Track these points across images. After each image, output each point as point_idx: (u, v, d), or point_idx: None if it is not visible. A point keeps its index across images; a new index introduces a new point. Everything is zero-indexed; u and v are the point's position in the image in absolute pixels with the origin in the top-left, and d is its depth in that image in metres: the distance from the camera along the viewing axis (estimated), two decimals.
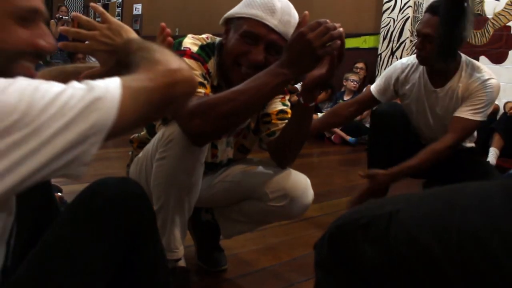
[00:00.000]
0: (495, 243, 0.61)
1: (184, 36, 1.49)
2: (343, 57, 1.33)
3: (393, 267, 0.68)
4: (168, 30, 1.19)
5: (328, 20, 1.23)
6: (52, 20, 9.14)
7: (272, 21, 1.40)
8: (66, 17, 9.00)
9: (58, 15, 8.97)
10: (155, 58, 0.86)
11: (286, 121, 1.57)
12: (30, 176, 0.68)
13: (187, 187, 1.44)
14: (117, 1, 10.74)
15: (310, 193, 1.58)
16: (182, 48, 1.44)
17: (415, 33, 6.02)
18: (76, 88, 0.72)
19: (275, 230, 2.19)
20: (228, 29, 1.48)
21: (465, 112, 2.24)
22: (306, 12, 1.31)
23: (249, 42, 1.41)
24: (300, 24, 1.31)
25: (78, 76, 0.99)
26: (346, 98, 6.01)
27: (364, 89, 2.54)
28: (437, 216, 0.67)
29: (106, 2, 11.03)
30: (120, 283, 0.95)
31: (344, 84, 6.08)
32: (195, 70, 1.40)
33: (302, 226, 2.32)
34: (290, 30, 1.40)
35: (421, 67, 2.37)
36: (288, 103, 1.65)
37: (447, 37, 1.98)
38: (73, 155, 0.71)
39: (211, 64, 1.48)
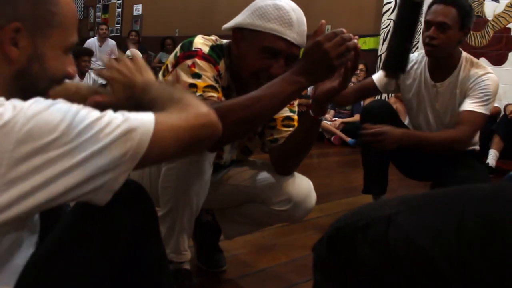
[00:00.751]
0: (494, 246, 0.61)
1: (194, 36, 1.47)
2: (356, 69, 1.33)
3: (391, 270, 0.68)
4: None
5: (344, 30, 1.23)
6: None
7: (291, 35, 1.37)
8: None
9: None
10: (185, 100, 0.92)
11: (291, 129, 1.57)
12: (59, 196, 0.73)
13: (196, 190, 1.44)
14: (117, 1, 10.74)
15: (313, 197, 1.58)
16: (194, 49, 1.41)
17: (415, 34, 6.03)
18: (112, 116, 0.77)
19: (274, 231, 2.19)
20: (238, 38, 1.44)
21: (468, 106, 2.24)
22: (323, 21, 1.31)
23: (269, 57, 1.38)
24: (316, 33, 1.30)
25: (80, 96, 1.05)
26: None
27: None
28: (436, 218, 0.67)
29: (106, 3, 11.03)
30: (121, 284, 0.95)
31: None
32: (207, 72, 1.39)
33: (301, 227, 2.32)
34: (305, 39, 1.40)
35: (423, 62, 2.37)
36: (296, 109, 1.63)
37: (401, 48, 1.92)
38: (102, 181, 0.75)
39: (222, 65, 1.46)
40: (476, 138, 2.41)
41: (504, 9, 5.21)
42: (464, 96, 2.27)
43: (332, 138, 5.75)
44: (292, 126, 1.58)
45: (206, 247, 1.85)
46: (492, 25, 5.30)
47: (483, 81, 2.23)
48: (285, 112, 1.59)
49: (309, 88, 6.46)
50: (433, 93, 2.35)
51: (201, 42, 1.44)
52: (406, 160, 2.51)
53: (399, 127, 2.27)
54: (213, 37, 1.50)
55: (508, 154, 4.39)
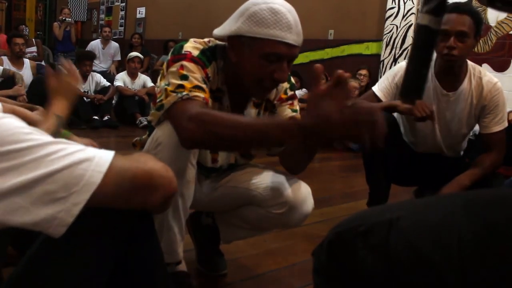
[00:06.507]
0: (495, 251, 0.61)
1: (187, 40, 1.48)
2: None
3: (392, 275, 0.68)
4: None
5: (349, 79, 1.14)
6: (56, 23, 9.17)
7: (292, 38, 1.37)
8: (69, 19, 9.02)
9: (61, 17, 9.00)
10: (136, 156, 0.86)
11: None
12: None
13: (179, 190, 1.43)
14: (121, 4, 10.77)
15: (310, 202, 1.58)
16: (183, 52, 1.42)
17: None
18: (69, 143, 0.72)
19: (275, 235, 2.19)
20: (236, 45, 1.41)
21: (492, 127, 2.26)
22: (319, 65, 1.18)
23: (271, 62, 1.38)
24: (316, 79, 1.17)
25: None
26: None
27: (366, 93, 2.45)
28: (437, 224, 0.67)
29: (110, 5, 11.06)
30: (117, 284, 0.95)
31: None
32: (195, 73, 1.39)
33: (302, 231, 2.31)
34: (302, 36, 1.42)
35: (430, 71, 2.32)
36: (297, 108, 1.64)
37: (418, 75, 1.87)
38: (52, 211, 0.69)
39: (211, 69, 1.46)
40: None
41: (507, 16, 5.21)
42: (481, 106, 2.26)
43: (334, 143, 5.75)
44: None
45: (206, 250, 1.85)
46: (495, 31, 5.31)
47: (499, 92, 2.25)
48: (288, 113, 1.60)
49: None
50: (444, 102, 2.31)
51: (191, 46, 1.44)
52: (409, 173, 2.49)
53: (400, 143, 2.28)
54: (206, 39, 1.50)
55: (509, 160, 4.38)
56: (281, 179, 1.58)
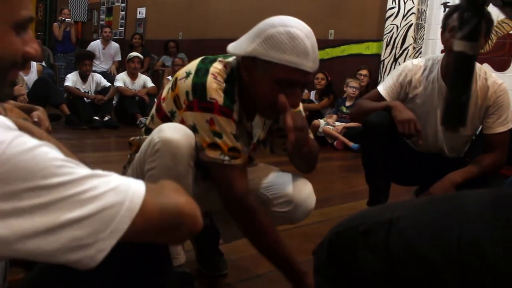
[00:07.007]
0: (495, 251, 0.61)
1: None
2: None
3: (392, 275, 0.68)
4: None
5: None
6: (55, 23, 9.18)
7: (308, 64, 1.34)
8: (69, 20, 9.03)
9: (61, 17, 9.00)
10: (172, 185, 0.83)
11: None
12: (18, 254, 0.62)
13: None
14: (121, 4, 10.77)
15: (313, 199, 1.60)
16: (209, 99, 1.38)
17: (418, 40, 6.03)
18: (101, 176, 0.67)
19: None
20: (249, 66, 1.39)
21: (496, 128, 2.24)
22: (283, 100, 1.34)
23: (284, 88, 1.36)
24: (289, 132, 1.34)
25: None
26: (347, 104, 6.02)
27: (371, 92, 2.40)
28: (437, 224, 0.67)
29: (110, 6, 11.06)
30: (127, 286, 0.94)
31: (345, 90, 6.09)
32: (227, 130, 1.39)
33: (302, 231, 2.31)
34: (318, 61, 1.41)
35: (435, 70, 2.29)
36: (303, 114, 1.61)
37: (459, 102, 1.82)
38: (79, 256, 0.65)
39: (236, 107, 1.43)
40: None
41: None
42: (486, 107, 2.24)
43: (335, 143, 5.75)
44: None
45: (206, 251, 1.85)
46: (495, 31, 5.30)
47: (504, 93, 2.23)
48: None
49: (311, 93, 6.46)
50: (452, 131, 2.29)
51: (214, 88, 1.38)
52: (409, 173, 2.49)
53: (400, 142, 2.26)
54: (221, 66, 1.44)
55: (509, 160, 4.37)
56: (282, 177, 1.59)
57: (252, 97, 1.43)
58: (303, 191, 1.58)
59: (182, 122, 1.44)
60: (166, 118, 1.51)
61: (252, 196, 1.44)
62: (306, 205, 1.58)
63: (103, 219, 0.65)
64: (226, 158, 1.39)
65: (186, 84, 1.41)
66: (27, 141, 0.63)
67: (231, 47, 1.44)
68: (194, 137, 1.40)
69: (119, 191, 0.68)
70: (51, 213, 0.62)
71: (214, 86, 1.39)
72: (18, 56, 0.76)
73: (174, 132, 1.37)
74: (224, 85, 1.40)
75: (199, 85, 1.39)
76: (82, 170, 0.66)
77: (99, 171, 0.68)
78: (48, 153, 0.64)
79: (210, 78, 1.39)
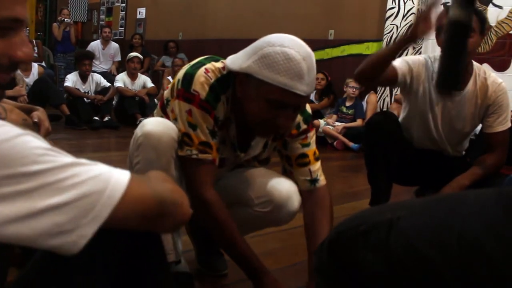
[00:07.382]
0: (495, 251, 0.61)
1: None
2: None
3: (393, 275, 0.68)
4: None
5: None
6: (55, 24, 9.18)
7: (301, 88, 1.31)
8: (68, 20, 9.03)
9: (60, 18, 9.00)
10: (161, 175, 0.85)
11: (306, 166, 1.59)
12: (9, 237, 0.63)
13: None
14: (121, 4, 10.77)
15: (295, 200, 1.57)
16: (192, 91, 1.39)
17: (418, 40, 6.02)
18: (84, 164, 0.68)
19: (276, 235, 2.19)
20: (244, 82, 1.37)
21: (496, 127, 2.25)
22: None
23: (276, 108, 1.34)
24: None
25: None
26: (347, 104, 6.02)
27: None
28: (438, 224, 0.67)
29: (110, 6, 11.06)
30: (121, 284, 0.94)
31: (345, 90, 6.09)
32: (202, 124, 1.40)
33: (302, 231, 2.30)
34: (315, 83, 1.40)
35: (433, 68, 2.27)
36: (310, 141, 1.60)
37: (455, 69, 1.72)
38: (61, 242, 0.66)
39: (221, 105, 1.43)
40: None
41: (507, 15, 5.21)
42: (486, 106, 2.25)
43: (335, 143, 5.75)
44: (307, 163, 1.59)
45: (205, 251, 1.85)
46: (495, 31, 5.31)
47: (504, 93, 2.24)
48: (298, 149, 1.58)
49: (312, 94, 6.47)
50: (449, 102, 2.28)
51: (200, 82, 1.39)
52: (410, 172, 2.49)
53: (402, 142, 2.26)
54: (220, 65, 1.44)
55: (509, 159, 4.38)
56: (265, 177, 1.59)
57: (244, 113, 1.42)
58: (284, 191, 1.55)
59: (172, 111, 1.46)
60: (163, 107, 1.54)
61: (213, 191, 1.44)
62: (288, 206, 1.55)
63: (83, 206, 0.66)
64: (194, 152, 1.41)
65: (180, 72, 1.45)
66: (10, 131, 0.63)
67: (229, 60, 1.43)
68: (176, 130, 1.42)
69: (100, 180, 0.68)
70: (31, 199, 0.62)
71: (202, 79, 1.39)
72: (6, 60, 0.74)
73: (155, 126, 1.41)
74: (212, 81, 1.40)
75: (188, 75, 1.41)
76: (64, 158, 0.66)
77: (82, 160, 0.69)
78: (30, 141, 0.64)
79: (200, 71, 1.41)
